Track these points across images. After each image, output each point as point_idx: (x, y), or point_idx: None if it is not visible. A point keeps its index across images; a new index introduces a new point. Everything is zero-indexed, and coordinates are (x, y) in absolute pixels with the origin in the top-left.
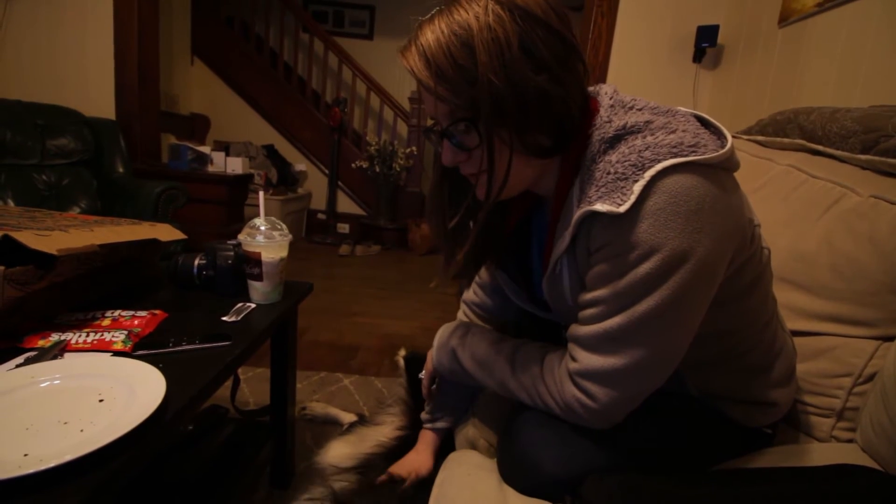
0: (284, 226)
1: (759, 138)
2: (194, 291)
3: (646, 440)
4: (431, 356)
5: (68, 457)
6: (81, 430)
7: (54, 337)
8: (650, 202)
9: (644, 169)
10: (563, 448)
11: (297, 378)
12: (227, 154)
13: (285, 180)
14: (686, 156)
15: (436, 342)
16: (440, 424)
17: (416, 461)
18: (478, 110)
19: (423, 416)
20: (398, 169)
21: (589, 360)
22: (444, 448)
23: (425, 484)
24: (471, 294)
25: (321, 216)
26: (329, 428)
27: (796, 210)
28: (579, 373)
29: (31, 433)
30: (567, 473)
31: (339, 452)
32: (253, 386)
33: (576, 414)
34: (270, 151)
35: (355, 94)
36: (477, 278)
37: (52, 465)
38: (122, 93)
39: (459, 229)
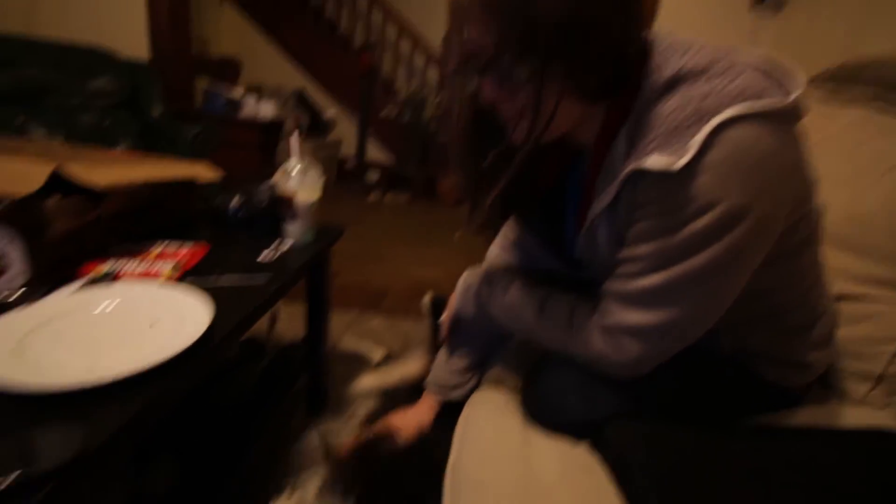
0: (317, 167)
1: (825, 87)
2: (232, 229)
3: (671, 392)
4: (454, 300)
5: (125, 373)
6: (136, 350)
7: (107, 266)
8: (710, 155)
9: (704, 120)
10: (586, 394)
11: (329, 316)
12: (259, 99)
13: (316, 127)
14: (751, 105)
15: (459, 287)
16: (451, 394)
17: (417, 414)
18: (531, 40)
19: (431, 381)
20: (428, 117)
21: (623, 315)
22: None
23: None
24: (495, 250)
25: (350, 164)
26: (359, 363)
27: (859, 167)
28: (612, 327)
29: (91, 351)
30: (590, 418)
31: (367, 384)
32: (288, 321)
33: (604, 365)
34: (300, 97)
35: (385, 40)
36: (502, 234)
37: (111, 379)
38: (155, 35)
39: (487, 178)
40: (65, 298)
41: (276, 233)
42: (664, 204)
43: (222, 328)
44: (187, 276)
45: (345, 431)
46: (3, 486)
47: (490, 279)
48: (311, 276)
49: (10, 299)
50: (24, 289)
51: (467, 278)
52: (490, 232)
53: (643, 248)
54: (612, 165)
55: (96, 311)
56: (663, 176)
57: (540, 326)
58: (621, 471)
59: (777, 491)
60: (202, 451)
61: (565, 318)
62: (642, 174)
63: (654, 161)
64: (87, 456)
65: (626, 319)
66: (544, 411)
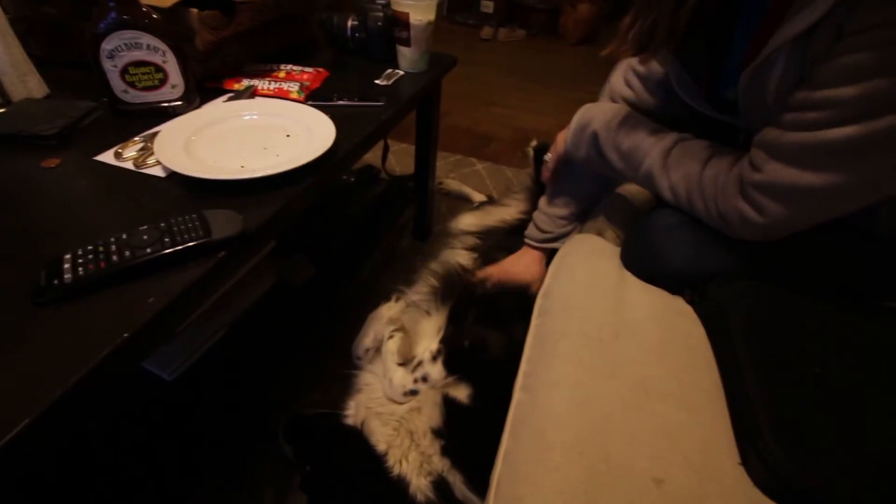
0: None
1: None
2: (348, 55)
3: (797, 261)
4: (563, 138)
5: (271, 171)
6: (277, 155)
7: (245, 82)
8: None
9: None
10: (696, 248)
11: (436, 154)
12: None
13: None
14: None
15: (574, 123)
16: (548, 244)
17: (530, 263)
18: None
19: (529, 231)
20: None
21: (779, 172)
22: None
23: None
24: (622, 87)
25: None
26: (461, 203)
27: None
28: (759, 184)
29: (242, 152)
30: (694, 272)
31: (467, 221)
32: (398, 158)
33: (729, 224)
34: None
35: None
36: (630, 69)
37: (261, 174)
38: None
39: None
40: (216, 108)
41: (390, 59)
42: (892, 30)
43: (344, 146)
44: (311, 97)
45: (446, 257)
46: (186, 245)
47: (612, 117)
48: (422, 108)
49: (173, 107)
50: (181, 100)
51: (584, 115)
52: (644, 52)
53: (840, 91)
54: None
55: (242, 121)
56: None
57: (664, 172)
58: (717, 321)
59: (873, 374)
60: (330, 255)
61: (698, 166)
62: None
63: None
64: (248, 234)
65: (780, 177)
66: (647, 259)
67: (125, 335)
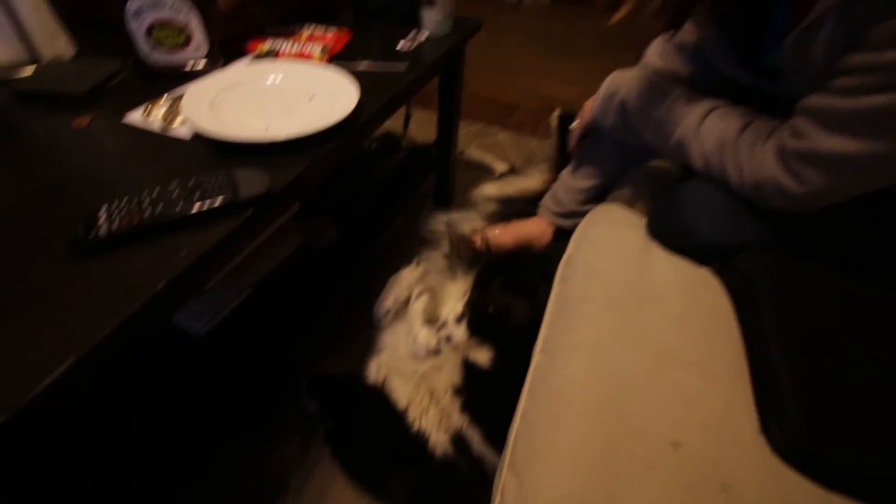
0: None
1: None
2: (371, 16)
3: (831, 237)
4: (590, 106)
5: (296, 133)
6: (301, 118)
7: (268, 44)
8: None
9: None
10: (727, 219)
11: (458, 122)
12: None
13: None
14: None
15: (602, 91)
16: (564, 221)
17: (539, 227)
18: None
19: (545, 202)
20: None
21: (824, 140)
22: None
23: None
24: (655, 58)
25: None
26: (483, 172)
27: None
28: (801, 153)
29: (267, 113)
30: (724, 244)
31: (488, 191)
32: (420, 126)
33: (764, 194)
34: None
35: None
36: (668, 36)
37: (286, 136)
38: None
39: None
40: (241, 69)
41: (413, 22)
42: None
43: (368, 108)
44: (334, 59)
45: (468, 223)
46: (215, 202)
47: (642, 85)
48: (445, 74)
49: (198, 68)
50: (205, 61)
51: (613, 82)
52: (671, 20)
53: (894, 55)
54: None
55: (266, 83)
56: None
57: (697, 140)
58: (745, 293)
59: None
60: (353, 220)
61: (734, 133)
62: None
63: None
64: (274, 193)
65: (823, 144)
66: (675, 229)
67: (159, 286)
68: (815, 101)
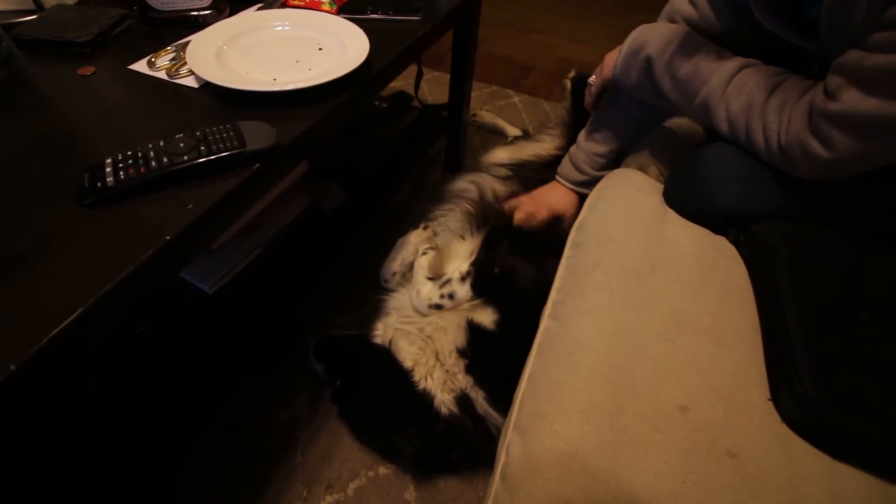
0: None
1: None
2: None
3: (855, 207)
4: (612, 62)
5: (304, 85)
6: (310, 69)
7: None
8: None
9: None
10: (748, 185)
11: (471, 84)
12: None
13: None
14: None
15: (626, 46)
16: (569, 182)
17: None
18: None
19: (567, 168)
20: None
21: (859, 101)
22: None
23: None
24: (683, 4)
25: None
26: (495, 136)
27: None
28: (832, 114)
29: (274, 65)
30: (743, 211)
31: (500, 156)
32: (431, 87)
33: (791, 160)
34: None
35: None
36: None
37: (293, 87)
38: None
39: None
40: (247, 18)
41: None
42: None
43: (379, 61)
44: (343, 10)
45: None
46: (222, 154)
47: (669, 40)
48: (459, 30)
49: (203, 15)
50: (211, 9)
51: (638, 37)
52: None
53: None
54: None
55: (273, 32)
56: None
57: (723, 100)
58: (762, 261)
59: None
60: (362, 182)
61: (763, 94)
62: None
63: None
64: (281, 147)
65: (857, 106)
66: (693, 194)
67: (167, 238)
68: (852, 57)
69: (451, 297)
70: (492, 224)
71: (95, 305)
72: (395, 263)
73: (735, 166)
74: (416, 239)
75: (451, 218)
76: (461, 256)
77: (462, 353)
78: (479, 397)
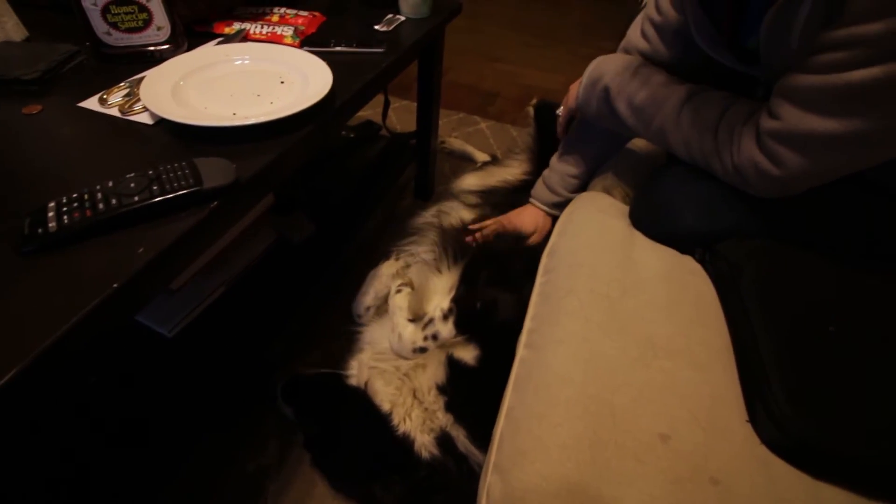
0: None
1: None
2: (346, 1)
3: (814, 223)
4: (575, 92)
5: (265, 119)
6: (271, 102)
7: (237, 26)
8: None
9: None
10: (709, 205)
11: (438, 111)
12: None
13: None
14: None
15: (585, 77)
16: (543, 204)
17: (535, 217)
18: None
19: (541, 191)
20: None
21: (799, 119)
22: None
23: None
24: (638, 38)
25: None
26: (464, 162)
27: None
28: (776, 133)
29: (234, 99)
30: (707, 231)
31: (470, 182)
32: (399, 115)
33: (744, 178)
34: None
35: None
36: (653, 15)
37: (254, 122)
38: None
39: None
40: (206, 52)
41: (390, 5)
42: None
43: (343, 93)
44: (306, 43)
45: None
46: (176, 194)
47: (624, 70)
48: (424, 60)
49: (160, 50)
50: (168, 43)
51: (596, 68)
52: None
53: (869, 28)
54: None
55: (233, 66)
56: None
57: (678, 125)
58: (728, 280)
59: (887, 335)
60: (330, 213)
61: (714, 116)
62: None
63: None
64: (241, 184)
65: (798, 123)
66: (657, 216)
67: (115, 285)
68: (791, 80)
69: (434, 337)
70: (469, 256)
71: (32, 364)
72: (369, 298)
73: (695, 187)
74: (387, 271)
75: (422, 248)
76: (440, 292)
77: (442, 389)
78: (459, 435)
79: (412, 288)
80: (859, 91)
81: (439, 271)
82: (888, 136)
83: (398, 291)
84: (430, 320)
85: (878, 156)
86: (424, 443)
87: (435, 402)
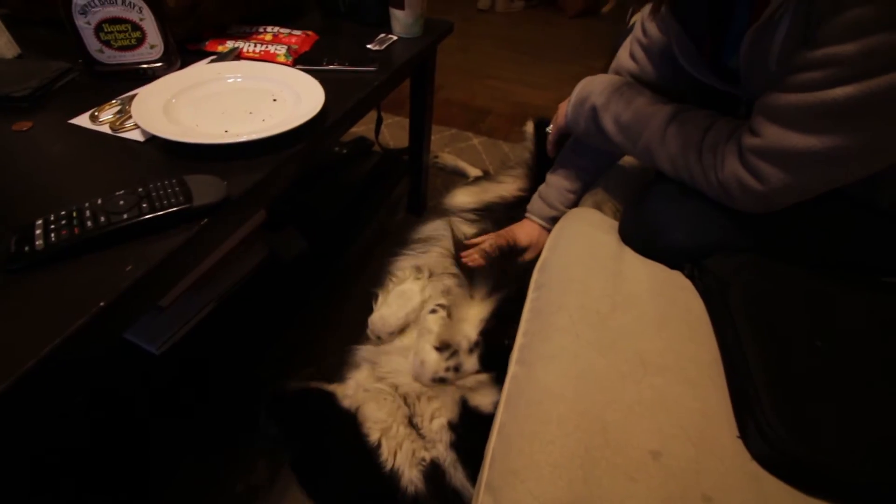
0: None
1: None
2: (339, 18)
3: (798, 235)
4: (564, 111)
5: (256, 136)
6: (263, 120)
7: (230, 44)
8: None
9: None
10: (697, 221)
11: (431, 127)
12: None
13: None
14: None
15: (574, 96)
16: (540, 219)
17: (536, 235)
18: None
19: (538, 205)
20: None
21: (779, 136)
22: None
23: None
24: (626, 60)
25: None
26: (457, 178)
27: None
28: (758, 150)
29: (226, 117)
30: (695, 246)
31: (463, 198)
32: (392, 131)
33: (730, 194)
34: None
35: None
36: (640, 37)
37: (245, 139)
38: None
39: None
40: (198, 70)
41: (383, 24)
42: None
43: (335, 112)
44: (299, 61)
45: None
46: (166, 211)
47: (611, 90)
48: (417, 78)
49: (153, 68)
50: (161, 61)
51: (584, 88)
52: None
53: (844, 48)
54: None
55: (226, 84)
56: None
57: (664, 143)
58: (717, 295)
59: (874, 348)
60: (322, 229)
61: (698, 133)
62: None
63: None
64: (231, 201)
65: (779, 140)
66: (646, 232)
67: (101, 304)
68: (771, 98)
69: (456, 369)
70: (507, 290)
71: (15, 386)
72: (398, 319)
73: (683, 203)
74: (417, 289)
75: (439, 263)
76: (470, 322)
77: (452, 427)
78: (458, 473)
79: (448, 314)
80: (836, 108)
81: (472, 297)
82: (866, 151)
83: (433, 311)
84: (455, 351)
85: (858, 170)
86: (412, 478)
87: (438, 434)
